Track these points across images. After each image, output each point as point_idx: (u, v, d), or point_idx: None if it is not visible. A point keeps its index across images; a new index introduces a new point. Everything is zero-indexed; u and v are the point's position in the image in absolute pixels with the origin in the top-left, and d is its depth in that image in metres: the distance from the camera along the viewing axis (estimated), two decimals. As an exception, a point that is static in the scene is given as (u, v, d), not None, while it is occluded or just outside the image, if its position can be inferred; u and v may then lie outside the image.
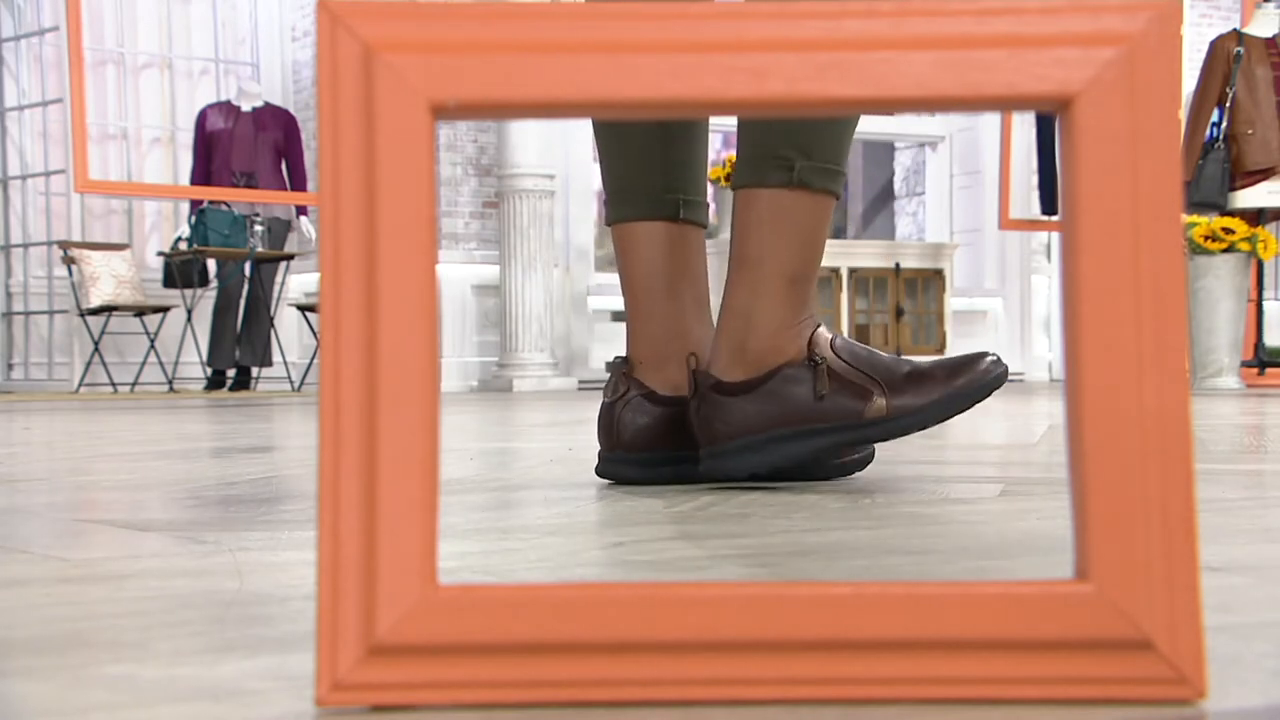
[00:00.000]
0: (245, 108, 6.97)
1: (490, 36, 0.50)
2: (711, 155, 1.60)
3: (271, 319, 6.91)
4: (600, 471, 1.42)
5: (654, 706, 0.49)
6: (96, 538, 1.00)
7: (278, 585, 0.77)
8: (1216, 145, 6.23)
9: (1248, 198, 6.25)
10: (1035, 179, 7.76)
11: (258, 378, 7.03)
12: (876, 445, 1.47)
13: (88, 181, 6.45)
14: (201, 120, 6.95)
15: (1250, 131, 6.23)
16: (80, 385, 6.84)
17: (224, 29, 8.08)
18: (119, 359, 7.11)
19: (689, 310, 1.43)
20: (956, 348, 7.37)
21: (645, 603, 0.50)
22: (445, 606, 0.49)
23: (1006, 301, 8.38)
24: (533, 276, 6.94)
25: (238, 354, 6.83)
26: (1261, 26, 6.43)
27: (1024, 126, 7.85)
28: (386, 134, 0.50)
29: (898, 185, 11.27)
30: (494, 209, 7.30)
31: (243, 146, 6.86)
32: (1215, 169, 6.20)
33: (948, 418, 1.32)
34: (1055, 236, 8.19)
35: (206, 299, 6.96)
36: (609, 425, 1.41)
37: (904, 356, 1.37)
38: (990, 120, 8.14)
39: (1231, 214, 6.17)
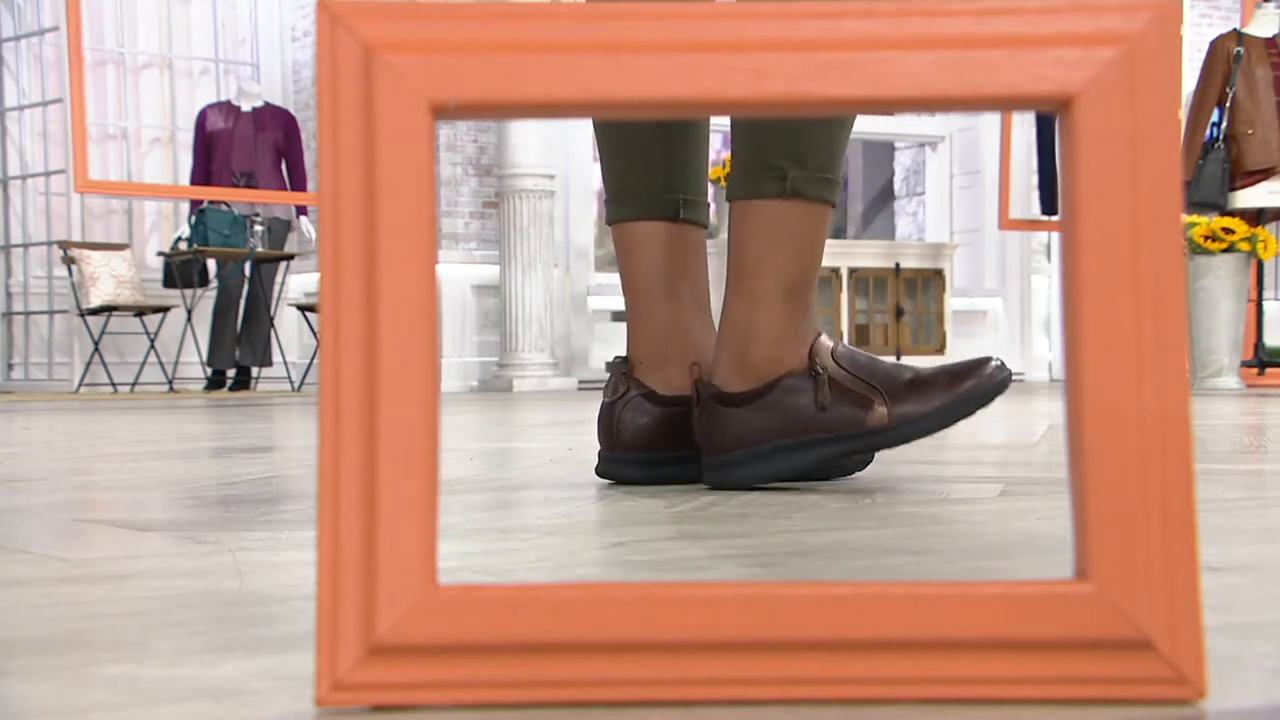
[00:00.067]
0: (245, 108, 6.97)
1: (490, 36, 0.50)
2: (711, 155, 1.59)
3: (271, 319, 6.91)
4: (600, 471, 1.42)
5: (654, 706, 0.49)
6: (96, 538, 1.00)
7: (278, 585, 0.77)
8: (1216, 145, 6.23)
9: (1248, 198, 6.25)
10: (1035, 179, 7.76)
11: (258, 378, 7.03)
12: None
13: (88, 181, 6.45)
14: (201, 120, 6.95)
15: (1250, 131, 6.23)
16: (80, 385, 6.84)
17: (224, 29, 8.08)
18: (119, 359, 7.12)
19: (689, 310, 1.43)
20: (956, 348, 7.37)
21: (645, 603, 0.50)
22: (445, 606, 0.49)
23: (1006, 301, 8.38)
24: (533, 276, 6.94)
25: (238, 354, 6.83)
26: (1261, 26, 6.43)
27: (1024, 126, 7.85)
28: (386, 134, 0.50)
29: (898, 185, 11.27)
30: (494, 209, 7.31)
31: (243, 146, 6.86)
32: (1215, 169, 6.19)
33: (950, 425, 1.31)
34: (1055, 236, 8.19)
35: (206, 299, 6.96)
36: (609, 425, 1.41)
37: (906, 363, 1.36)
38: (990, 120, 8.14)
39: (1231, 214, 6.17)
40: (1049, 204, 7.56)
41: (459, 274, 7.25)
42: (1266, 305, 7.70)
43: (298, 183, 7.04)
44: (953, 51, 0.50)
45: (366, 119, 0.50)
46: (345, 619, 0.49)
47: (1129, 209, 0.50)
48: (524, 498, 1.30)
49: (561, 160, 7.38)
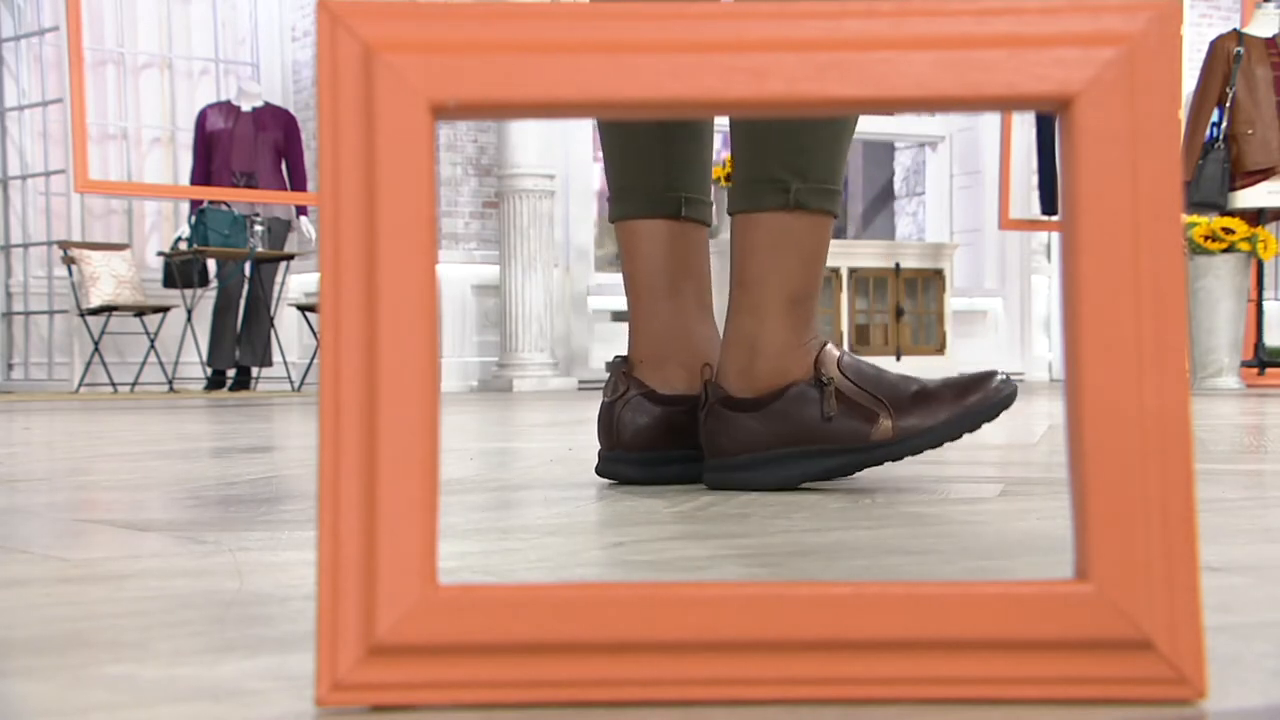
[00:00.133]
0: (245, 108, 6.97)
1: (490, 36, 0.50)
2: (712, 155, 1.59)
3: (271, 319, 6.91)
4: (600, 471, 1.42)
5: (654, 706, 0.49)
6: (96, 538, 1.00)
7: (278, 585, 0.77)
8: (1216, 145, 6.23)
9: (1248, 198, 6.25)
10: (1035, 179, 7.76)
11: (258, 378, 7.03)
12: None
13: (88, 181, 6.45)
14: (201, 120, 6.95)
15: (1250, 131, 6.23)
16: (80, 385, 6.84)
17: (224, 29, 8.08)
18: (119, 359, 7.11)
19: (690, 309, 1.43)
20: (956, 348, 7.37)
21: (645, 603, 0.50)
22: (445, 606, 0.49)
23: (1006, 301, 8.38)
24: (533, 276, 6.94)
25: (238, 354, 6.83)
26: (1261, 26, 6.43)
27: (1024, 126, 7.85)
28: (386, 134, 0.50)
29: (898, 185, 11.27)
30: (494, 209, 7.30)
31: (243, 146, 6.86)
32: (1215, 169, 6.19)
33: (955, 438, 1.31)
34: (1055, 236, 8.19)
35: (206, 299, 6.96)
36: (609, 424, 1.41)
37: (911, 375, 1.36)
38: (990, 120, 8.13)
39: (1231, 214, 6.17)
40: (1049, 204, 7.56)
41: (459, 274, 7.25)
42: (1266, 305, 7.70)
43: (298, 183, 7.04)
44: (953, 51, 0.50)
45: (366, 119, 0.50)
46: (345, 619, 0.49)
47: (1129, 209, 0.50)
48: (524, 498, 1.30)
49: (561, 160, 7.38)
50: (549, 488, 1.38)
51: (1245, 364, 6.43)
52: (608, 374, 1.45)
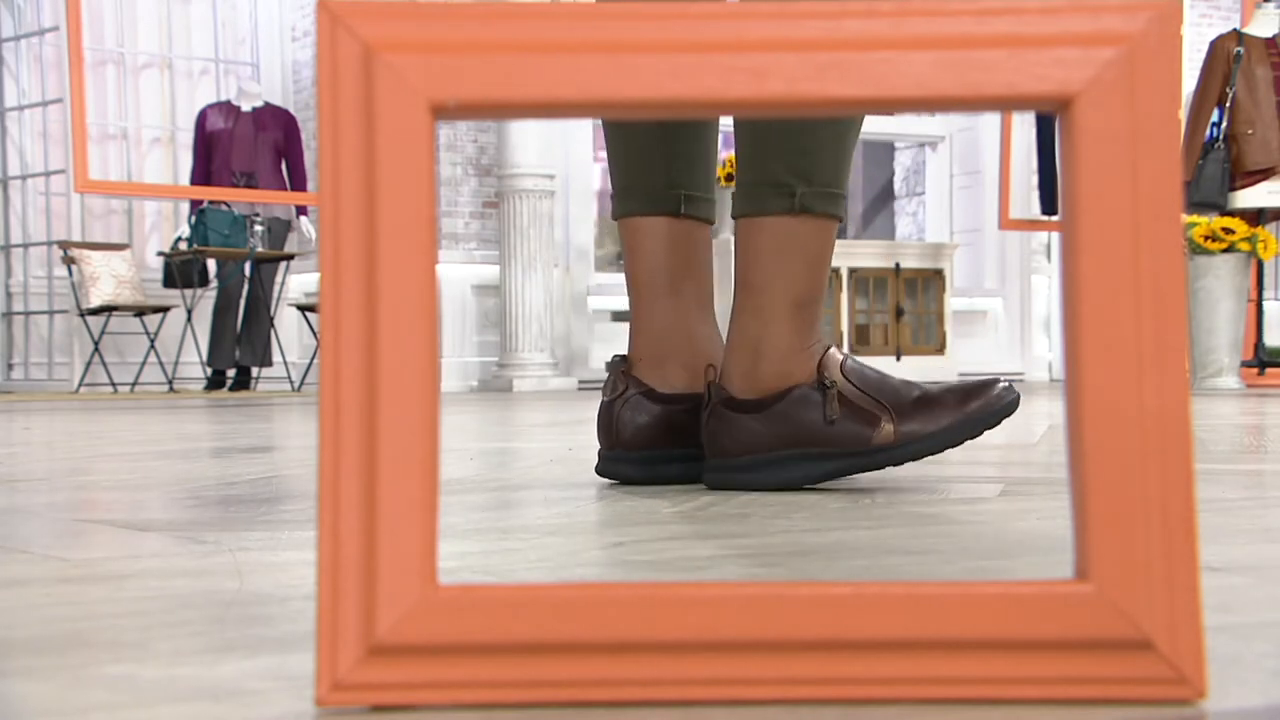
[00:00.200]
0: (245, 108, 6.97)
1: (490, 36, 0.50)
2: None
3: (271, 319, 6.91)
4: (600, 470, 1.42)
5: (654, 706, 0.49)
6: (96, 538, 1.00)
7: (278, 585, 0.77)
8: (1216, 145, 6.23)
9: (1248, 198, 6.25)
10: (1035, 179, 7.76)
11: (258, 378, 7.03)
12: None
13: (88, 181, 6.45)
14: (201, 120, 6.95)
15: (1250, 131, 6.23)
16: (80, 385, 6.84)
17: (224, 29, 8.08)
18: (119, 359, 7.11)
19: (691, 308, 1.43)
20: (956, 348, 7.37)
21: (645, 603, 0.50)
22: (445, 606, 0.49)
23: (1006, 301, 8.38)
24: (533, 276, 6.94)
25: (238, 354, 6.83)
26: (1261, 26, 6.43)
27: (1024, 126, 7.85)
28: (386, 134, 0.50)
29: (898, 185, 11.27)
30: (494, 209, 7.30)
31: (243, 146, 6.86)
32: (1215, 169, 6.19)
33: (956, 444, 1.31)
34: (1055, 236, 8.19)
35: (206, 299, 6.96)
36: (608, 424, 1.41)
37: (914, 380, 1.36)
38: (990, 120, 8.13)
39: (1231, 214, 6.17)
40: (1049, 204, 7.56)
41: (459, 274, 7.25)
42: (1266, 305, 7.70)
43: (298, 183, 7.04)
44: (953, 51, 0.50)
45: (366, 119, 0.50)
46: (345, 619, 0.49)
47: (1129, 209, 0.50)
48: (524, 498, 1.30)
49: (561, 160, 7.38)
50: (549, 488, 1.38)
51: (1245, 364, 6.43)
52: (607, 373, 1.45)
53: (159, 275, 7.13)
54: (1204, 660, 0.49)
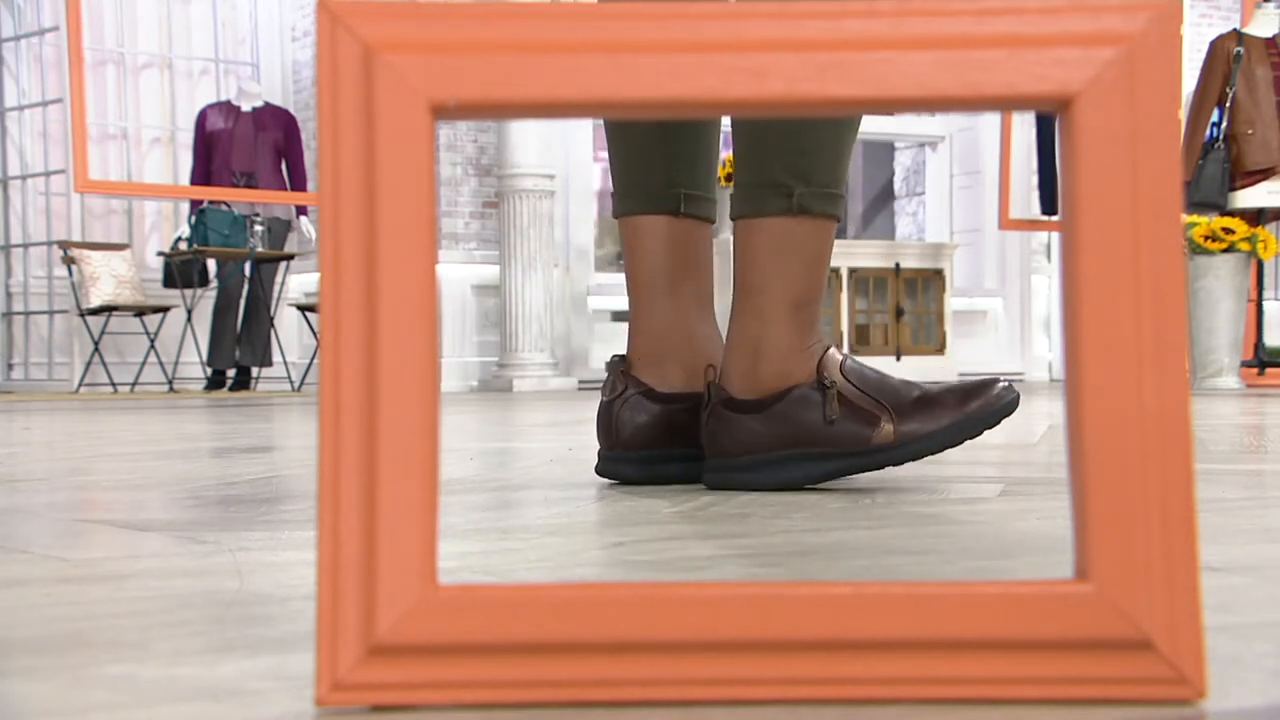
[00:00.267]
0: (245, 108, 6.97)
1: (490, 36, 0.50)
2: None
3: (271, 319, 6.91)
4: (600, 470, 1.42)
5: (654, 706, 0.49)
6: (96, 538, 1.00)
7: (278, 585, 0.77)
8: (1216, 145, 6.23)
9: (1248, 198, 6.25)
10: (1035, 179, 7.76)
11: (258, 378, 7.03)
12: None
13: (88, 181, 6.45)
14: (201, 120, 6.95)
15: (1250, 131, 6.23)
16: (80, 385, 6.84)
17: (224, 29, 8.08)
18: (119, 359, 7.11)
19: (690, 307, 1.43)
20: (956, 348, 7.37)
21: (645, 603, 0.50)
22: (445, 606, 0.49)
23: (1006, 301, 8.38)
24: (533, 276, 6.94)
25: (238, 354, 6.83)
26: (1261, 26, 6.43)
27: (1024, 126, 7.85)
28: (386, 134, 0.50)
29: (898, 185, 11.27)
30: (494, 209, 7.30)
31: (243, 146, 6.86)
32: (1215, 169, 6.19)
33: (956, 444, 1.31)
34: (1055, 236, 8.19)
35: (206, 299, 6.96)
36: (608, 424, 1.41)
37: (914, 380, 1.36)
38: (990, 120, 8.13)
39: (1231, 214, 6.17)
40: (1049, 204, 7.56)
41: (459, 274, 7.25)
42: (1266, 305, 7.70)
43: (298, 183, 7.04)
44: (953, 51, 0.50)
45: (366, 119, 0.50)
46: (345, 619, 0.49)
47: (1129, 209, 0.50)
48: (524, 498, 1.30)
49: (561, 160, 7.38)
50: (549, 488, 1.38)
51: (1245, 364, 6.43)
52: (607, 373, 1.45)
53: (159, 275, 7.13)
54: (1204, 660, 0.49)
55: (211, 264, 6.88)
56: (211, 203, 6.82)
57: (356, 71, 0.50)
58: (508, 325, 6.97)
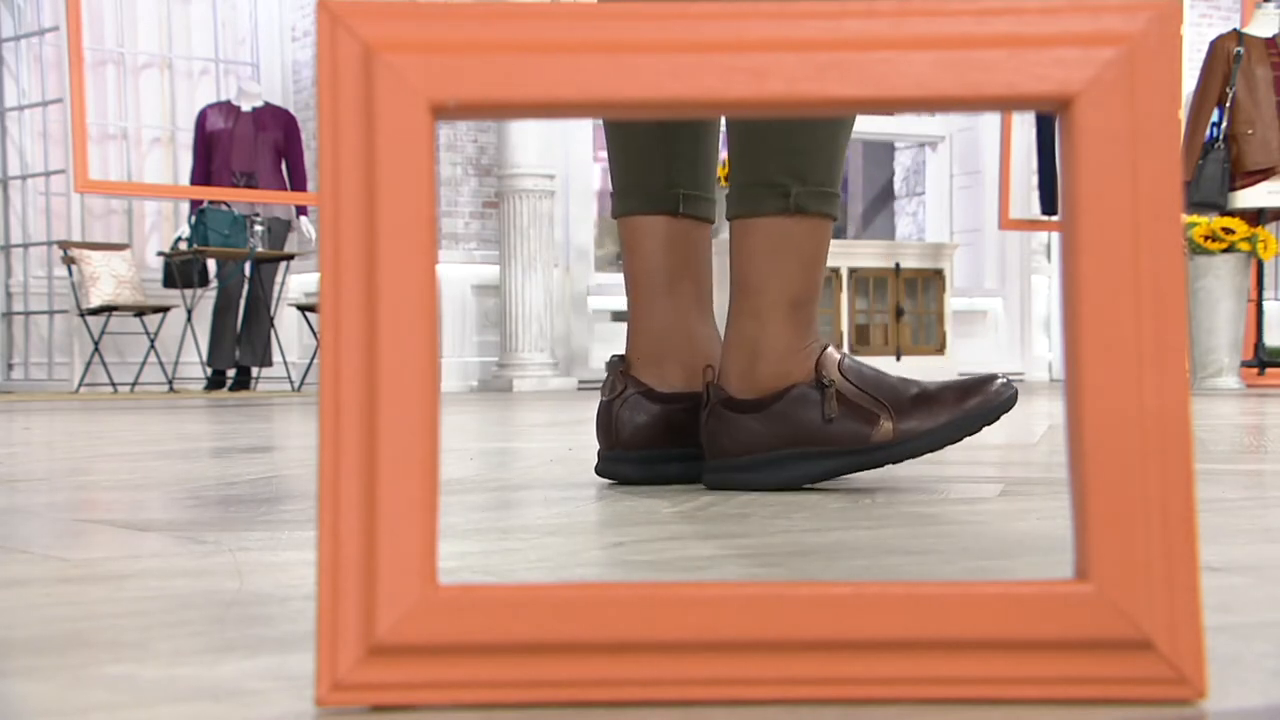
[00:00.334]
0: (245, 108, 6.97)
1: (490, 36, 0.50)
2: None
3: (271, 319, 6.91)
4: (600, 471, 1.42)
5: (654, 706, 0.49)
6: (96, 538, 1.00)
7: (278, 585, 0.77)
8: (1216, 145, 6.23)
9: (1248, 198, 6.25)
10: (1035, 179, 7.76)
11: (258, 378, 7.03)
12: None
13: (88, 181, 6.45)
14: (201, 120, 6.95)
15: (1250, 131, 6.23)
16: (80, 385, 6.84)
17: (224, 29, 8.08)
18: (119, 359, 7.11)
19: (689, 308, 1.43)
20: (956, 348, 7.37)
21: (645, 603, 0.50)
22: (445, 606, 0.49)
23: (1006, 301, 8.38)
24: (533, 276, 6.94)
25: (238, 354, 6.83)
26: (1261, 26, 6.43)
27: (1024, 126, 7.85)
28: (386, 134, 0.50)
29: (898, 185, 11.27)
30: (494, 209, 7.30)
31: (243, 146, 6.86)
32: (1215, 169, 6.19)
33: (955, 441, 1.31)
34: (1055, 236, 8.19)
35: (206, 299, 6.96)
36: (607, 424, 1.41)
37: (911, 378, 1.36)
38: (990, 120, 8.13)
39: (1231, 214, 6.17)
40: (1049, 204, 7.56)
41: (459, 274, 7.25)
42: (1266, 305, 7.70)
43: (298, 183, 7.04)
44: (953, 51, 0.50)
45: (366, 119, 0.50)
46: (345, 619, 0.49)
47: (1129, 209, 0.50)
48: (524, 498, 1.30)
49: (561, 160, 7.38)
50: (549, 488, 1.38)
51: (1245, 364, 6.43)
52: (606, 373, 1.45)
53: (159, 275, 7.13)
54: (1204, 660, 0.49)
55: (211, 264, 6.88)
56: (211, 203, 6.82)
57: (356, 71, 0.50)
58: (508, 325, 6.97)
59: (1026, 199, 7.79)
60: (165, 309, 6.84)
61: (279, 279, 7.06)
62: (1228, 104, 6.27)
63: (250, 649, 0.59)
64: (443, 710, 0.49)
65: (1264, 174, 6.25)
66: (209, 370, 6.87)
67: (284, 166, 7.03)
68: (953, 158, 8.67)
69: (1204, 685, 0.49)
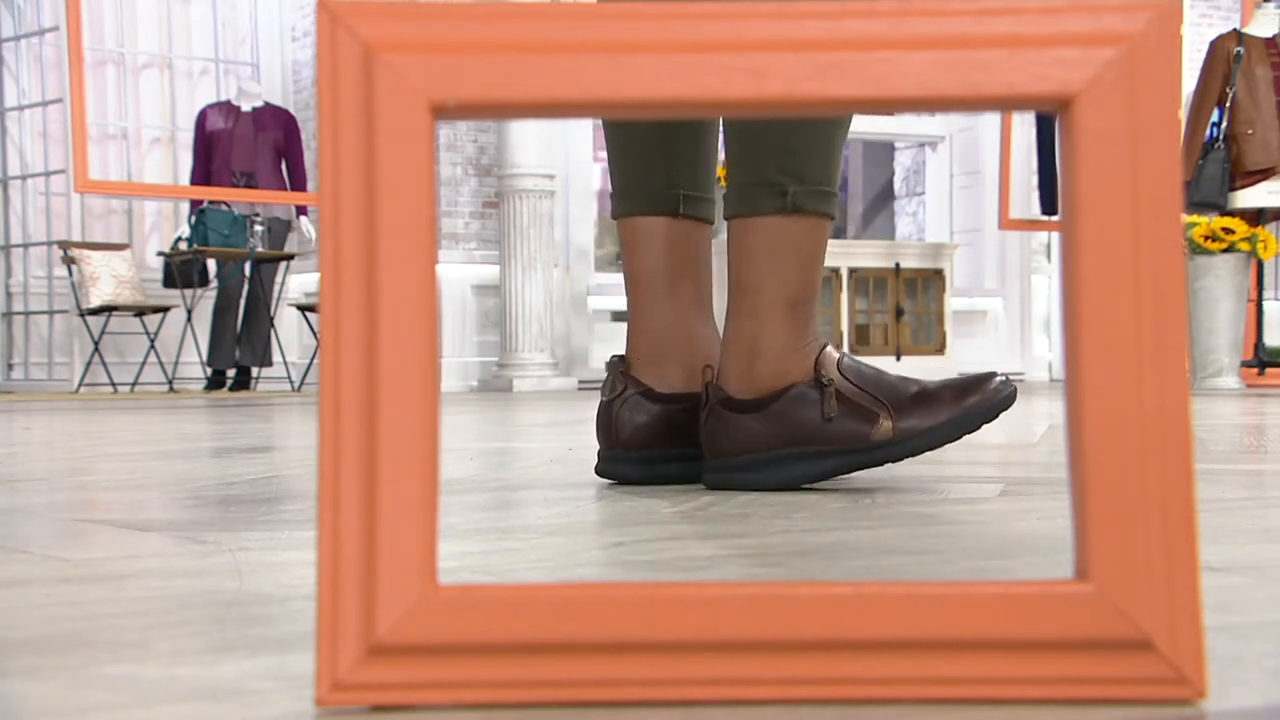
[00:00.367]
0: (245, 108, 6.97)
1: (490, 36, 0.50)
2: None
3: (271, 319, 6.91)
4: (600, 471, 1.42)
5: (654, 706, 0.49)
6: (96, 538, 1.00)
7: (278, 585, 0.77)
8: (1216, 145, 6.23)
9: (1248, 198, 6.25)
10: (1035, 179, 7.76)
11: (258, 378, 7.03)
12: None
13: (88, 181, 6.45)
14: (201, 120, 6.95)
15: (1250, 131, 6.23)
16: (80, 385, 6.84)
17: (224, 29, 8.08)
18: (119, 359, 7.11)
19: (689, 308, 1.43)
20: (956, 348, 7.37)
21: (645, 603, 0.50)
22: (445, 606, 0.49)
23: (1006, 301, 8.38)
24: (533, 276, 6.94)
25: (238, 354, 6.83)
26: (1261, 26, 6.43)
27: (1024, 126, 7.85)
28: (386, 134, 0.50)
29: (898, 185, 11.27)
30: (494, 209, 7.30)
31: (243, 146, 6.86)
32: (1215, 169, 6.19)
33: (955, 439, 1.31)
34: (1055, 236, 8.19)
35: (206, 299, 6.96)
36: (607, 424, 1.41)
37: (910, 376, 1.36)
38: (990, 120, 8.13)
39: (1231, 214, 6.17)
40: (1049, 204, 7.55)
41: (459, 274, 7.25)
42: (1266, 305, 7.70)
43: (298, 183, 7.04)
44: (953, 51, 0.50)
45: (366, 119, 0.50)
46: (345, 619, 0.49)
47: (1129, 209, 0.50)
48: (524, 498, 1.30)
49: (561, 160, 7.38)
50: (549, 488, 1.38)
51: (1245, 364, 6.43)
52: (606, 373, 1.45)
53: (159, 275, 7.13)
54: (1204, 660, 0.49)
55: (211, 264, 6.88)
56: (211, 203, 6.82)
57: (356, 71, 0.50)
58: (508, 325, 6.97)
59: (1026, 199, 7.79)
60: (165, 309, 6.84)
61: (279, 279, 7.06)
62: (1228, 104, 6.27)
63: (250, 649, 0.59)
64: (443, 710, 0.49)
65: (1264, 174, 6.25)
66: (209, 370, 6.87)
67: (284, 166, 7.03)
68: (953, 158, 8.67)
69: (1204, 685, 0.49)
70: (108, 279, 6.68)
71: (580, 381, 7.29)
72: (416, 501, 0.50)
